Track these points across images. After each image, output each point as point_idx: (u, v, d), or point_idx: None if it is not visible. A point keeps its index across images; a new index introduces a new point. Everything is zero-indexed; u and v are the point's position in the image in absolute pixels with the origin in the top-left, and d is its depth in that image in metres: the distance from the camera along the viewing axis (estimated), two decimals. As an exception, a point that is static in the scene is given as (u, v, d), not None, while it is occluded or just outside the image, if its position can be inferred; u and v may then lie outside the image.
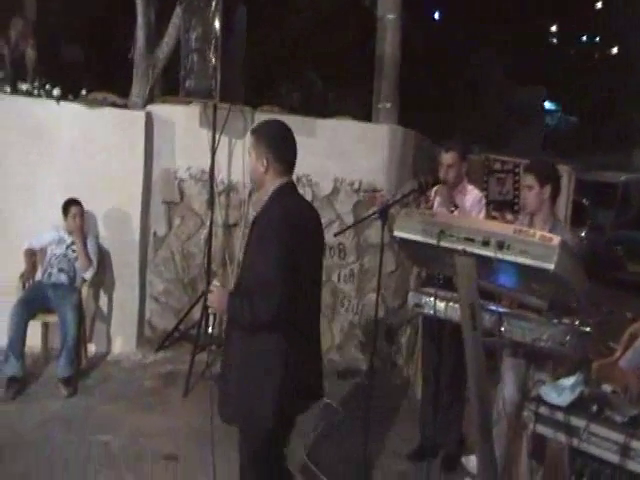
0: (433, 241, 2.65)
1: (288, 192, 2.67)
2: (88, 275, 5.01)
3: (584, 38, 23.76)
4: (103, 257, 5.27)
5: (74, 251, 4.96)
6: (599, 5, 21.85)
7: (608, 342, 4.18)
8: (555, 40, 23.35)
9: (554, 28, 22.93)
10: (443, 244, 2.63)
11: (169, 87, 6.10)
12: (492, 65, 16.27)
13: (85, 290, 5.04)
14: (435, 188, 3.95)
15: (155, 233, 5.63)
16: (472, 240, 2.56)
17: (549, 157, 9.08)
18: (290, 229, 2.55)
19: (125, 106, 5.64)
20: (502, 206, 6.45)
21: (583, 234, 9.91)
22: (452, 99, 14.80)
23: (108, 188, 5.29)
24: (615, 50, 23.29)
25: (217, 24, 4.71)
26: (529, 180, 3.49)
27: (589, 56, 22.72)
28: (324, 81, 11.20)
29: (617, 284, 9.32)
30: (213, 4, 4.65)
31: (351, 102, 9.91)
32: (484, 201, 4.07)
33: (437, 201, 3.92)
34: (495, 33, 16.34)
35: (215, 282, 2.71)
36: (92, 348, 5.33)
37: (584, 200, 10.06)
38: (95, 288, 5.32)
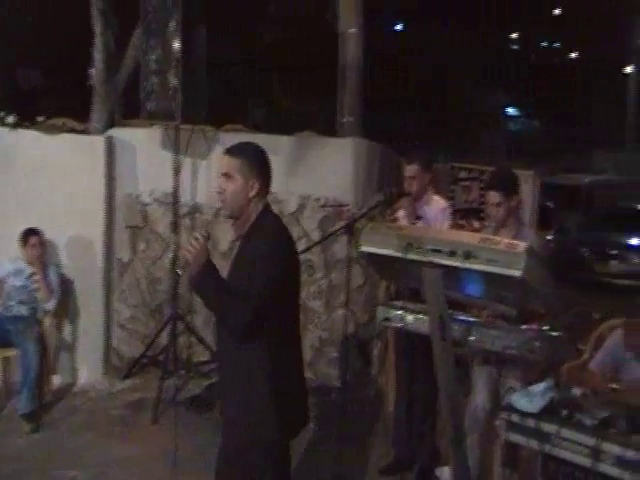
0: (400, 254, 2.66)
1: (271, 212, 2.67)
2: (50, 306, 4.91)
3: (544, 44, 24.39)
4: (65, 286, 5.16)
5: (34, 282, 4.85)
6: (557, 11, 22.47)
7: (577, 344, 4.22)
8: (515, 46, 23.89)
9: (514, 35, 23.47)
10: (410, 256, 2.64)
11: (130, 110, 6.05)
12: (454, 73, 16.57)
13: (47, 321, 4.93)
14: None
15: (119, 259, 5.55)
16: (439, 251, 2.57)
17: (513, 163, 9.25)
18: (283, 250, 2.56)
19: (85, 131, 5.57)
20: (469, 214, 6.51)
21: (549, 237, 10.08)
22: (415, 108, 15.02)
23: (69, 216, 5.21)
24: (574, 55, 23.98)
25: (176, 45, 4.71)
26: (497, 198, 3.49)
27: (549, 61, 23.28)
28: (289, 97, 11.28)
29: (585, 285, 9.47)
30: (172, 25, 4.65)
31: (317, 117, 9.98)
32: (449, 211, 4.10)
33: (400, 214, 3.93)
34: (456, 42, 16.65)
35: (203, 233, 2.55)
36: (56, 380, 5.19)
37: (549, 203, 10.23)
38: (58, 318, 5.19)
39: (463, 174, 7.19)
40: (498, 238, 2.57)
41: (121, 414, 4.79)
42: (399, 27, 20.24)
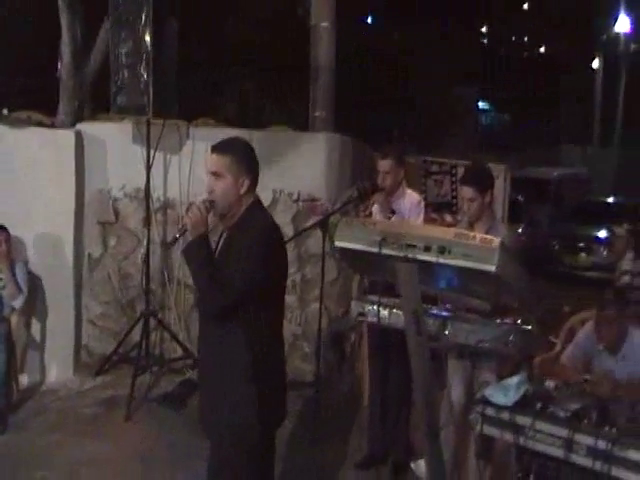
0: (375, 249, 2.65)
1: (260, 206, 2.65)
2: (18, 303, 4.80)
3: (513, 38, 24.69)
4: (34, 283, 5.06)
5: (1, 279, 4.74)
6: (525, 6, 22.76)
7: (549, 337, 4.28)
8: (485, 41, 24.13)
9: (484, 29, 23.69)
10: (385, 252, 2.64)
11: (99, 104, 5.95)
12: (426, 67, 16.62)
13: (15, 319, 4.82)
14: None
15: (90, 255, 5.46)
16: (414, 246, 2.58)
17: (485, 156, 9.33)
18: (270, 244, 2.54)
19: (52, 125, 5.46)
20: (441, 207, 6.54)
21: (520, 230, 10.22)
22: (388, 101, 15.04)
23: (38, 211, 5.11)
24: (542, 49, 24.32)
25: (147, 38, 4.64)
26: (471, 193, 3.49)
27: (518, 55, 23.61)
28: (260, 91, 11.21)
29: (555, 277, 9.61)
30: (143, 18, 4.57)
31: (288, 111, 9.93)
32: (423, 204, 4.11)
33: (375, 208, 3.93)
34: (428, 35, 16.73)
35: (206, 204, 2.52)
36: (24, 379, 5.08)
37: (519, 197, 10.35)
38: (26, 316, 5.07)
39: (435, 168, 7.23)
40: (472, 233, 2.58)
41: (93, 412, 4.71)
42: (369, 20, 20.26)
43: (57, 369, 5.26)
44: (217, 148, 2.59)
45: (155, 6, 4.63)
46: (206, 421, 2.69)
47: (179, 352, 5.33)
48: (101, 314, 5.47)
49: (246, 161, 2.57)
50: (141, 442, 4.23)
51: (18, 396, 4.84)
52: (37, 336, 5.23)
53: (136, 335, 5.14)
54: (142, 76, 4.66)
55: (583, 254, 10.79)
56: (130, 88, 4.77)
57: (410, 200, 4.03)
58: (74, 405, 4.81)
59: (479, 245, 2.47)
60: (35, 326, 5.21)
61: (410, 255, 2.59)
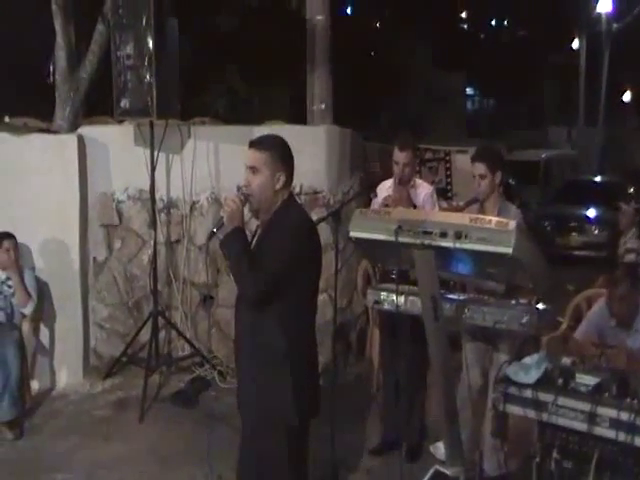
0: (391, 238, 2.71)
1: (295, 201, 2.72)
2: (28, 310, 4.80)
3: (493, 23, 24.65)
4: (41, 289, 5.05)
5: (10, 287, 4.74)
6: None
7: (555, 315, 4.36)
8: (466, 26, 24.07)
9: (464, 14, 23.61)
10: (401, 240, 2.70)
11: (92, 107, 5.94)
12: (412, 55, 16.61)
13: (25, 325, 4.82)
14: (387, 185, 4.00)
15: (95, 258, 5.47)
16: (430, 233, 2.64)
17: (473, 141, 9.35)
18: (308, 238, 2.61)
19: (49, 131, 5.45)
20: (436, 194, 6.61)
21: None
22: (375, 91, 15.03)
23: (42, 217, 5.11)
24: (523, 32, 24.34)
25: (150, 40, 4.63)
26: (482, 169, 3.53)
27: (499, 39, 23.59)
28: (249, 86, 11.17)
29: (548, 258, 9.65)
30: (144, 19, 4.57)
31: (276, 105, 9.91)
32: (435, 195, 4.13)
33: (390, 200, 3.89)
34: (410, 23, 16.71)
35: (241, 197, 2.59)
36: (35, 385, 5.07)
37: (510, 180, 10.41)
38: (34, 322, 5.06)
39: (429, 155, 7.30)
40: (488, 217, 2.65)
41: (105, 414, 4.74)
42: (348, 12, 20.20)
43: (67, 373, 5.27)
44: (255, 144, 2.66)
45: (155, 7, 4.61)
46: (243, 406, 2.74)
47: (187, 350, 5.36)
48: (108, 317, 5.48)
49: (283, 157, 2.64)
50: (157, 441, 4.26)
51: (30, 402, 4.84)
52: (46, 341, 5.24)
53: (143, 336, 5.16)
54: (145, 78, 4.66)
55: (574, 234, 10.86)
56: (133, 90, 4.76)
57: (424, 191, 4.03)
58: (86, 408, 4.84)
59: (495, 228, 2.53)
60: (43, 332, 5.22)
61: (426, 242, 2.65)
